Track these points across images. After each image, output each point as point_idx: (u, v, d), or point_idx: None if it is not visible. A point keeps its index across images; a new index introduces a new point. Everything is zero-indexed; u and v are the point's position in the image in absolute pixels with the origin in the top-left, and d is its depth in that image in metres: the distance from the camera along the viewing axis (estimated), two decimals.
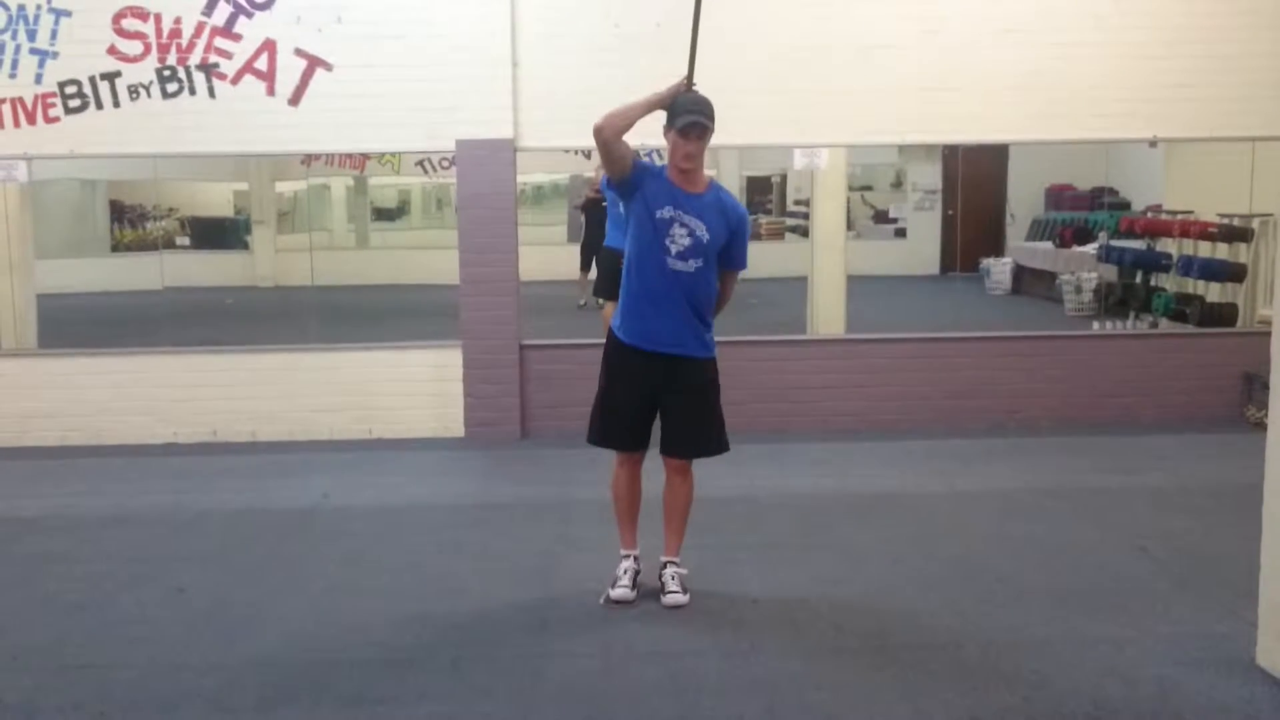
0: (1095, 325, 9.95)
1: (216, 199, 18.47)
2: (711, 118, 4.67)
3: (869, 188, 18.64)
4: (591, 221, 13.22)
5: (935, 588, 5.02)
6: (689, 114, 4.63)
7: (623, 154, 4.61)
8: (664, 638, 4.49)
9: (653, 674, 4.15)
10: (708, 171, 4.94)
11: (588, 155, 13.86)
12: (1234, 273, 9.48)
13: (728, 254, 4.78)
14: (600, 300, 10.00)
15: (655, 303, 4.70)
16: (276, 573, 5.39)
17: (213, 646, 4.49)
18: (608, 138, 4.57)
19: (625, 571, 4.93)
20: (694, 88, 4.75)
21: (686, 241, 4.63)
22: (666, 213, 4.63)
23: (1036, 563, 5.33)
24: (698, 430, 4.83)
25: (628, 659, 4.31)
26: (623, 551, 5.00)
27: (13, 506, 6.66)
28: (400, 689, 4.06)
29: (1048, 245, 14.46)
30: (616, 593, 4.85)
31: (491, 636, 4.54)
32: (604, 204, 12.73)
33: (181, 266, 15.58)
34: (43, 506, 6.66)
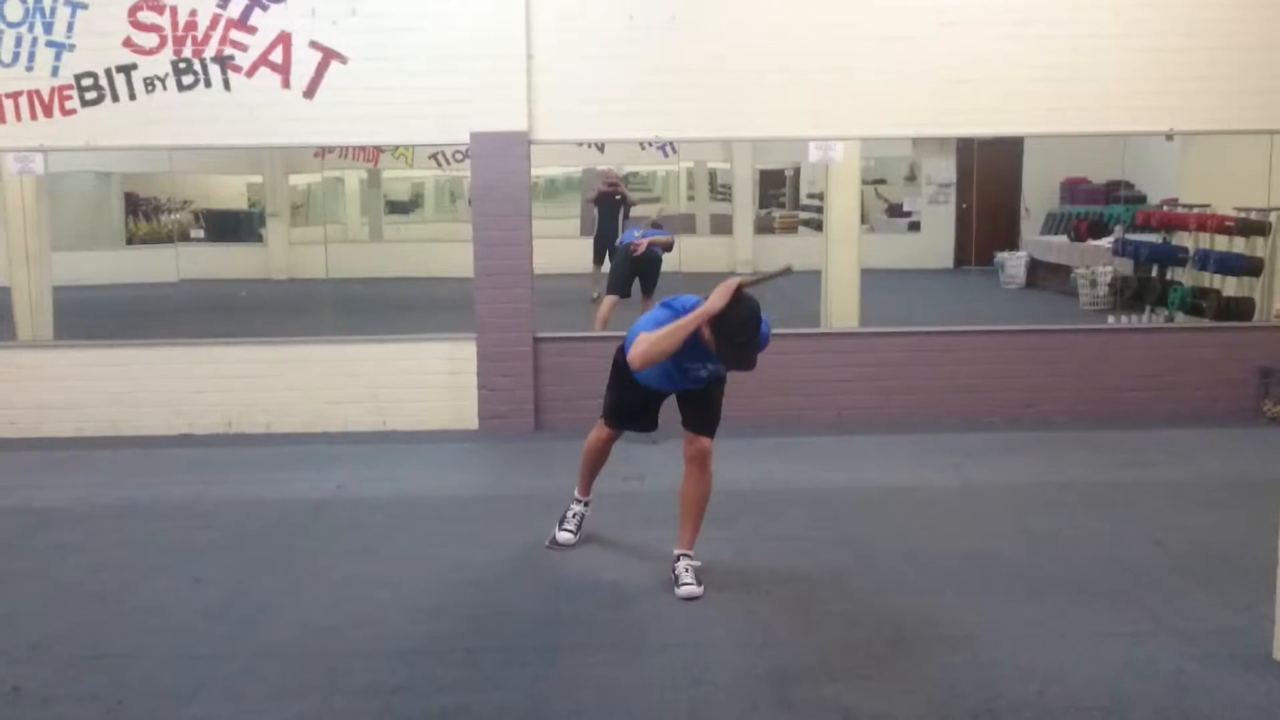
0: (1110, 319, 9.92)
1: (230, 192, 18.48)
2: (757, 335, 4.53)
3: (883, 181, 18.58)
4: (604, 215, 13.21)
5: (950, 581, 5.01)
6: (733, 356, 4.52)
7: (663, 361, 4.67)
8: (677, 629, 4.50)
9: (666, 665, 4.16)
10: None
11: (601, 148, 13.88)
12: (1251, 267, 9.42)
13: None
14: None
15: (668, 386, 4.99)
16: (291, 564, 5.41)
17: (228, 637, 4.51)
18: (640, 369, 4.70)
19: (574, 515, 5.52)
20: (747, 291, 4.54)
21: (704, 374, 4.83)
22: (694, 366, 4.78)
23: (1052, 557, 5.32)
24: (703, 411, 4.96)
25: (641, 650, 4.31)
26: (576, 495, 5.56)
27: (29, 497, 6.69)
28: (414, 679, 4.08)
29: (1062, 239, 14.40)
30: (561, 536, 5.46)
31: (505, 628, 4.55)
32: (617, 198, 12.77)
33: (196, 259, 15.60)
34: (59, 497, 6.69)
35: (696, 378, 4.85)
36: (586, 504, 5.57)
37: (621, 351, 5.07)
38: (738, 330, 4.47)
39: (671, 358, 4.70)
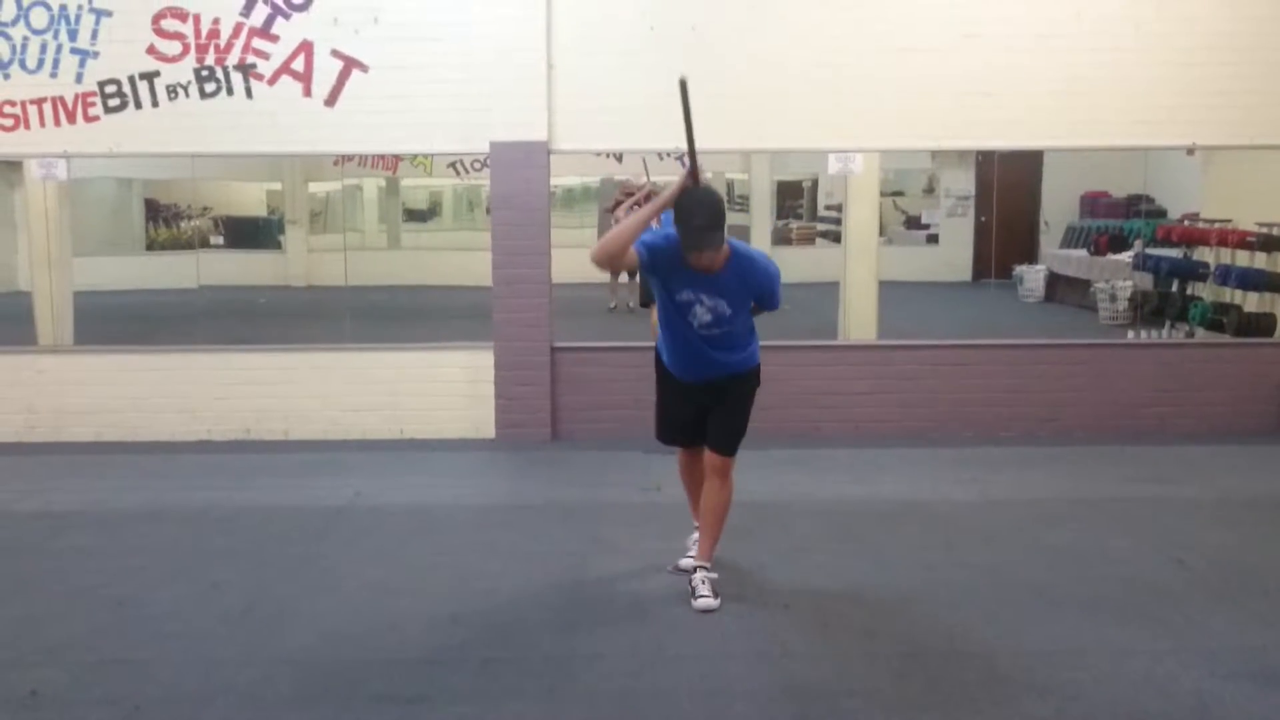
0: (1130, 334, 9.87)
1: (250, 199, 18.60)
2: (719, 224, 4.46)
3: (901, 193, 18.55)
4: None
5: (968, 596, 4.98)
6: (694, 239, 4.44)
7: (623, 264, 4.62)
8: (695, 641, 4.48)
9: (683, 677, 4.15)
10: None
11: (619, 158, 13.89)
12: (1272, 282, 9.37)
13: (758, 303, 4.83)
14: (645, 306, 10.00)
15: (688, 356, 4.86)
16: (309, 571, 5.42)
17: (246, 643, 4.52)
18: (602, 264, 4.58)
19: (695, 542, 5.13)
20: (701, 175, 4.56)
21: (708, 318, 4.71)
22: (686, 296, 4.69)
23: (1070, 572, 5.28)
24: (723, 426, 4.92)
25: (658, 662, 4.30)
26: (695, 522, 5.24)
27: (49, 501, 6.72)
28: (430, 688, 4.07)
29: (1082, 253, 14.34)
30: (685, 562, 5.12)
31: (522, 637, 4.54)
32: (634, 207, 12.77)
33: (216, 265, 15.70)
34: (78, 502, 6.72)
35: (701, 327, 4.69)
36: None
37: (658, 356, 5.05)
38: (695, 212, 4.43)
39: (664, 289, 4.68)
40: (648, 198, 11.10)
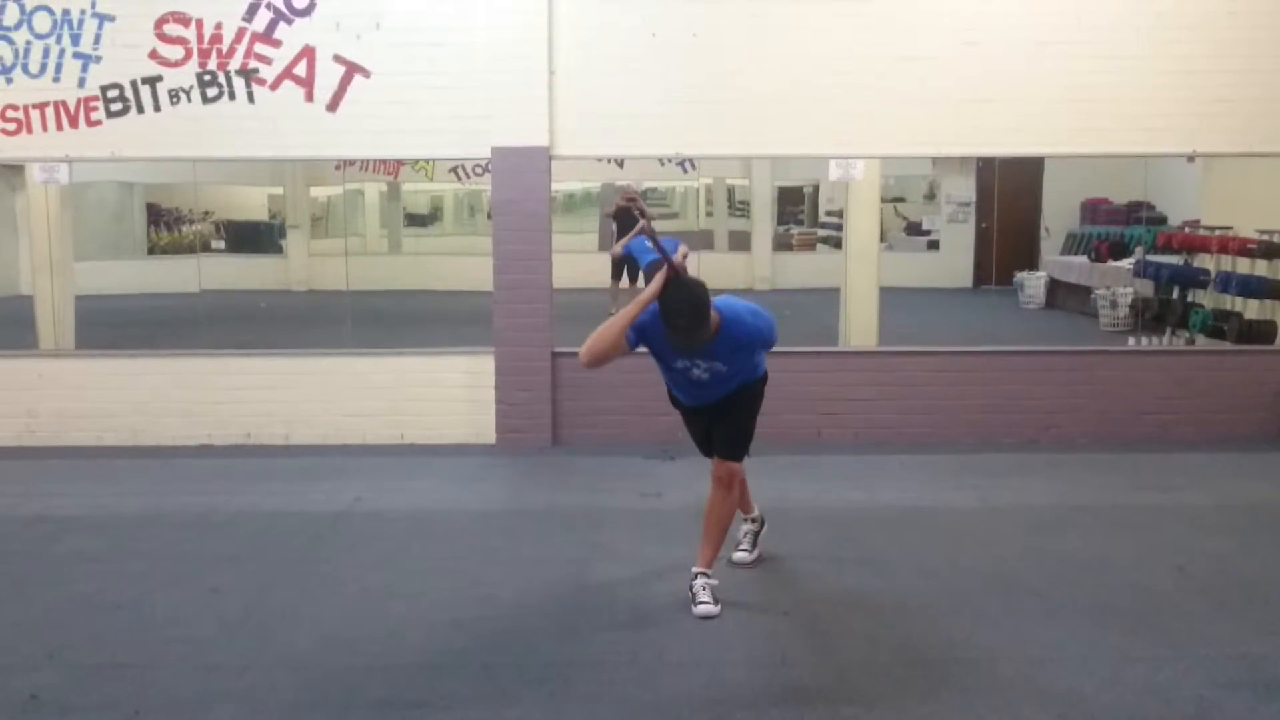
0: (1130, 341, 9.87)
1: (252, 203, 18.60)
2: (704, 319, 4.48)
3: (902, 199, 18.56)
4: (622, 229, 13.23)
5: (968, 602, 4.98)
6: (679, 339, 4.50)
7: (613, 356, 4.63)
8: (695, 648, 4.48)
9: (683, 684, 4.14)
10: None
11: (620, 164, 13.92)
12: (1273, 290, 9.37)
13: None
14: None
15: (689, 390, 4.99)
16: (309, 576, 5.42)
17: (245, 648, 4.52)
18: (590, 365, 4.64)
19: (745, 535, 5.49)
20: (683, 267, 4.63)
21: (705, 376, 4.83)
22: (681, 364, 4.81)
23: (1071, 580, 5.27)
24: (727, 433, 4.98)
25: (658, 668, 4.30)
26: (742, 515, 5.43)
27: (50, 505, 6.72)
28: (430, 694, 4.07)
29: (1083, 259, 14.34)
30: (737, 556, 5.41)
31: (522, 643, 4.54)
32: (635, 213, 12.78)
33: (217, 269, 15.69)
34: (79, 506, 6.72)
35: (699, 380, 4.83)
36: (753, 520, 5.54)
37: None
38: (676, 314, 4.47)
39: (658, 359, 4.82)
40: (641, 232, 11.16)
